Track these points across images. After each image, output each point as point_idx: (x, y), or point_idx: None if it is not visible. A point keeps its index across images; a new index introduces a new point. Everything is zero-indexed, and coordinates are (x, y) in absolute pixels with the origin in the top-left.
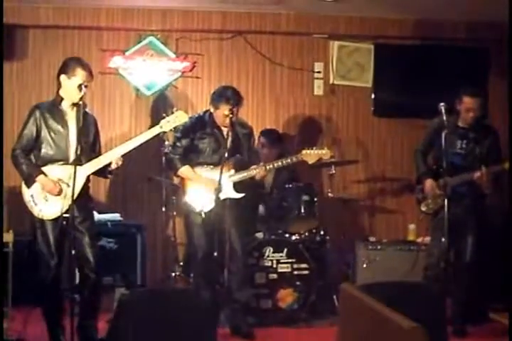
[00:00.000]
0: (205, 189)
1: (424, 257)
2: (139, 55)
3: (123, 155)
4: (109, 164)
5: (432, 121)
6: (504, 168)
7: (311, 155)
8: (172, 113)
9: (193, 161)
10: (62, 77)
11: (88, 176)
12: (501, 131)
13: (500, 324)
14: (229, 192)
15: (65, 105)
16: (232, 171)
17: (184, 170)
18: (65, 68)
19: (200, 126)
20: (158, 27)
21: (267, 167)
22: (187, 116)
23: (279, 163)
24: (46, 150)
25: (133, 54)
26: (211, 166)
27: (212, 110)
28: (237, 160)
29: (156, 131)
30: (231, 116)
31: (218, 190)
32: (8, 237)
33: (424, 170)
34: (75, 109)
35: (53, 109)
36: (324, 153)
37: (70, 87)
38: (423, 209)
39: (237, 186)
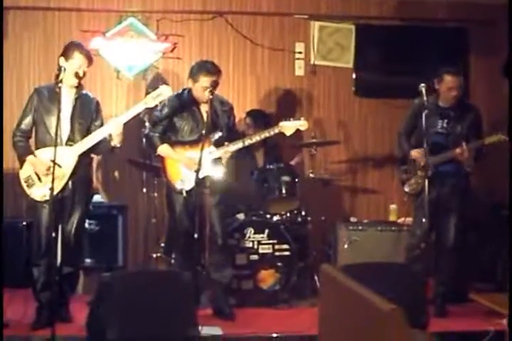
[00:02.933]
0: (184, 167)
1: (406, 237)
2: (120, 36)
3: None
4: (105, 143)
5: (412, 103)
6: (484, 143)
7: (288, 126)
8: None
9: (172, 140)
10: (61, 59)
11: (84, 157)
12: (482, 110)
13: (479, 304)
14: (209, 169)
15: (63, 87)
16: (212, 147)
17: (163, 148)
18: (64, 51)
19: (179, 104)
20: (139, 8)
21: (246, 142)
22: (171, 90)
23: (257, 137)
24: (42, 133)
25: (113, 35)
26: (190, 144)
27: (191, 85)
28: (216, 137)
29: (141, 106)
30: (211, 88)
31: (198, 168)
32: None
33: (408, 149)
34: (73, 91)
35: (51, 91)
36: (302, 124)
37: (68, 70)
38: (406, 189)
39: (217, 163)
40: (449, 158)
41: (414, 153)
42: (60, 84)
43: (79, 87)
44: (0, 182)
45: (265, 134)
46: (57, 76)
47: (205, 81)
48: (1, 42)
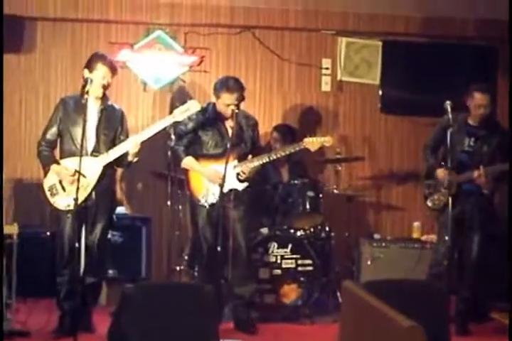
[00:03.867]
0: (208, 181)
1: (430, 254)
2: (147, 48)
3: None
4: (126, 156)
5: (442, 119)
6: (503, 168)
7: (313, 142)
8: (184, 103)
9: (197, 153)
10: (85, 71)
11: (108, 168)
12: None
13: (501, 323)
14: (233, 183)
15: (89, 99)
16: (236, 162)
17: (187, 161)
18: (88, 62)
19: (203, 118)
20: (167, 21)
21: (270, 157)
22: (199, 105)
23: (282, 153)
24: (68, 143)
25: (141, 47)
26: (215, 158)
27: (215, 100)
28: (240, 151)
29: (169, 120)
30: (233, 105)
31: (222, 182)
32: (13, 229)
33: (433, 163)
34: (99, 102)
35: (77, 102)
36: (326, 140)
37: (93, 81)
38: (429, 204)
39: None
40: (468, 180)
41: (440, 173)
42: (86, 96)
43: (104, 98)
44: (0, 187)
45: (290, 150)
46: (83, 87)
47: (226, 98)
48: (1, 46)
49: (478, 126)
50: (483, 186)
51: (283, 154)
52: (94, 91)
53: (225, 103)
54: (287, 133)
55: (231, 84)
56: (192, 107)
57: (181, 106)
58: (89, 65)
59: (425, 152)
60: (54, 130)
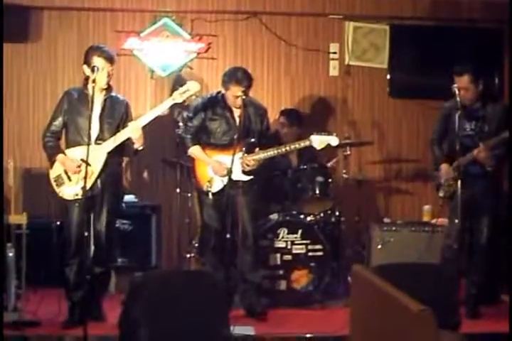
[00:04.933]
0: (212, 171)
1: (441, 238)
2: (154, 36)
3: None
4: (132, 144)
5: (443, 106)
6: (500, 138)
7: (319, 141)
8: (183, 85)
9: (204, 142)
10: (84, 67)
11: (113, 156)
12: None
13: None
14: (238, 175)
15: (93, 89)
16: (241, 153)
17: (194, 150)
18: (85, 58)
19: (211, 106)
20: (173, 8)
21: (276, 151)
22: (199, 85)
23: (287, 148)
24: (73, 133)
25: (148, 35)
26: (221, 147)
27: (223, 91)
28: (247, 142)
29: (169, 102)
30: (242, 97)
31: (229, 172)
32: (22, 219)
33: (440, 156)
34: (103, 93)
35: (81, 94)
36: (333, 139)
37: (98, 73)
38: (441, 194)
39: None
40: (471, 159)
41: (443, 171)
42: (93, 84)
43: (108, 89)
44: (0, 179)
45: (295, 146)
46: (86, 79)
47: (236, 90)
48: (1, 40)
49: (478, 107)
50: (484, 162)
51: (288, 150)
52: (99, 83)
53: (235, 95)
54: (294, 118)
55: (240, 76)
56: (191, 88)
57: (181, 87)
58: (86, 60)
59: (432, 146)
60: (59, 121)
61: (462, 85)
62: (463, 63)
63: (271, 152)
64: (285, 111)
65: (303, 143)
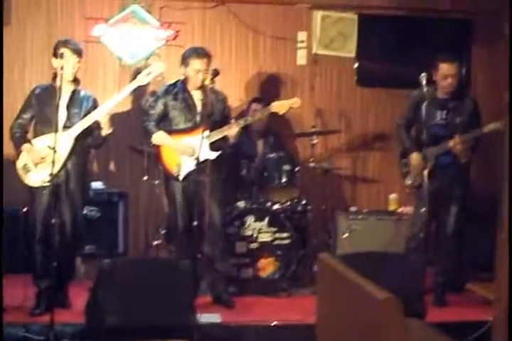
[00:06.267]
0: (179, 154)
1: (406, 226)
2: (122, 23)
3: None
4: (99, 131)
5: (411, 95)
6: (481, 132)
7: (281, 105)
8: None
9: (168, 129)
10: (53, 60)
11: (81, 143)
12: (484, 100)
13: (476, 294)
14: (206, 153)
15: (61, 78)
16: (207, 132)
17: (158, 135)
18: (54, 51)
19: (172, 92)
20: None
21: (240, 122)
22: (163, 66)
23: (251, 118)
24: (40, 123)
25: (116, 22)
26: (184, 132)
27: (183, 71)
28: (211, 122)
29: (133, 85)
30: (203, 72)
31: (194, 153)
32: None
33: (408, 143)
34: (71, 85)
35: (49, 87)
36: (294, 101)
37: (64, 66)
38: (409, 182)
39: (213, 146)
40: (445, 150)
41: (413, 160)
42: (60, 72)
43: (76, 82)
44: (0, 174)
45: (258, 115)
46: (55, 74)
47: (196, 63)
48: (1, 39)
49: (448, 98)
50: (460, 155)
51: (255, 119)
52: (65, 75)
53: (195, 68)
54: (266, 103)
55: (199, 50)
56: (155, 69)
57: (144, 70)
58: (55, 53)
59: (398, 131)
60: (27, 115)
61: (450, 72)
62: (431, 53)
63: (244, 120)
64: (256, 98)
65: (266, 111)
